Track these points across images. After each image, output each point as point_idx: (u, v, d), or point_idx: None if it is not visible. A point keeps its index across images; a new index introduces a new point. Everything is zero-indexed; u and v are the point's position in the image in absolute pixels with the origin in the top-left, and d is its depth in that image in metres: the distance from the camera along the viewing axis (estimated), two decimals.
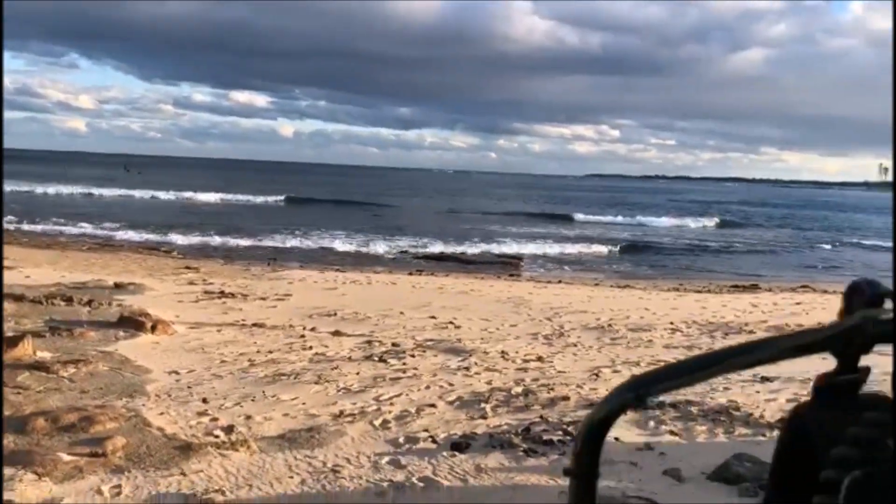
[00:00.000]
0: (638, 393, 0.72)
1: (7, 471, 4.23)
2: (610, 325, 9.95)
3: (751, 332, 9.87)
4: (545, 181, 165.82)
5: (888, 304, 0.67)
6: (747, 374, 6.99)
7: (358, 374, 6.95)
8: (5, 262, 12.93)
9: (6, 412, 5.31)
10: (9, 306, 8.88)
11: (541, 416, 5.85)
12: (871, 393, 0.69)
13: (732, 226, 43.29)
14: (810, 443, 0.70)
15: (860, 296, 0.67)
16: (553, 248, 25.20)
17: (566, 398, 6.40)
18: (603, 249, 26.15)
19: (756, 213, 57.79)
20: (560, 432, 5.47)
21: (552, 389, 6.67)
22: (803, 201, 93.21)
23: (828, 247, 32.10)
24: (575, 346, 8.65)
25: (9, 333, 7.37)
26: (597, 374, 7.31)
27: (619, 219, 42.58)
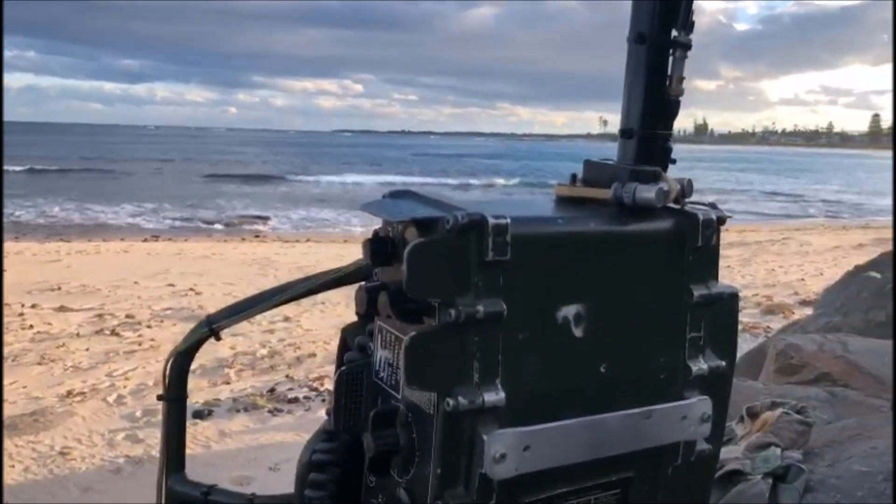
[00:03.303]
0: (211, 327, 0.96)
1: None
2: None
3: None
4: (292, 138, 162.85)
5: None
6: None
7: (87, 350, 6.51)
8: None
9: None
10: None
11: (287, 376, 5.93)
12: None
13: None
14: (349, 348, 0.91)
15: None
16: (299, 210, 24.95)
17: (313, 355, 6.52)
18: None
19: (511, 167, 61.65)
20: (306, 389, 5.59)
21: (299, 348, 6.75)
22: (538, 153, 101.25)
23: None
24: (322, 303, 8.77)
25: None
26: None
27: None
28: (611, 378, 0.78)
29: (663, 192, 0.80)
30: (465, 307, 0.70)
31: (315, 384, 5.70)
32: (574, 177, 0.89)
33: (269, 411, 5.12)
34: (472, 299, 0.70)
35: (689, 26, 0.88)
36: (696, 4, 0.88)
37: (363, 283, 0.85)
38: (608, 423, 0.77)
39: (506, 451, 0.71)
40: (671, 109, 0.90)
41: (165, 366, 0.97)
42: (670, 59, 0.89)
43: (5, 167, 37.67)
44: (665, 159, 0.91)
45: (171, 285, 9.49)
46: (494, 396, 0.71)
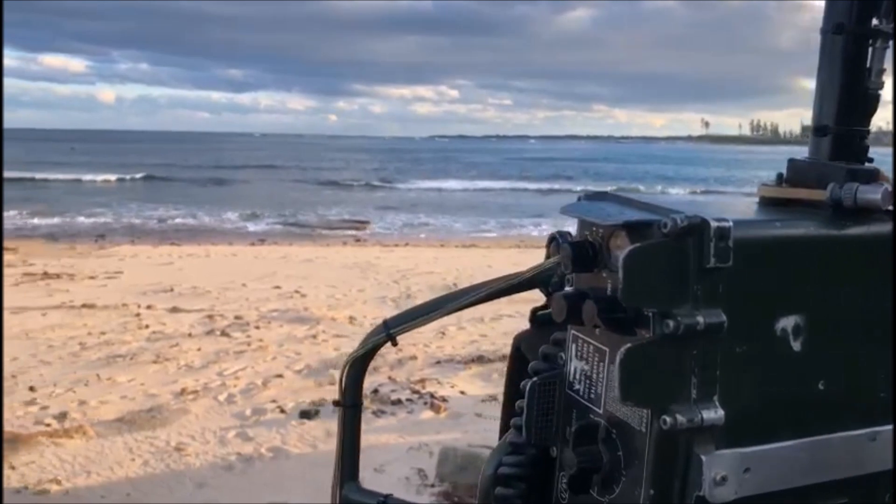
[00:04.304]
0: (388, 333, 0.92)
1: None
2: (456, 285, 10.21)
3: None
4: (388, 143, 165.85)
5: None
6: None
7: (199, 349, 6.75)
8: None
9: None
10: None
11: (389, 377, 5.97)
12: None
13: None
14: (524, 362, 0.87)
15: (555, 244, 0.82)
16: (400, 215, 25.34)
17: (414, 357, 6.55)
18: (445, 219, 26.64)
19: (605, 169, 60.83)
20: (408, 391, 5.61)
21: (400, 350, 6.79)
22: (637, 155, 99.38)
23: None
24: None
25: None
26: (443, 332, 7.51)
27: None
28: (830, 395, 0.72)
29: (888, 192, 0.75)
30: (683, 318, 0.66)
31: (417, 387, 5.71)
32: (780, 176, 0.84)
33: (373, 412, 5.16)
34: (690, 309, 0.67)
35: (891, 14, 0.82)
36: None
37: (560, 290, 0.81)
38: (830, 445, 0.71)
39: (726, 473, 0.67)
40: (870, 104, 0.84)
41: (342, 372, 0.95)
42: (869, 50, 0.83)
43: (124, 175, 39.93)
44: (861, 158, 0.85)
45: (277, 287, 9.76)
46: (713, 414, 0.67)
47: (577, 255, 0.74)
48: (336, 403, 0.94)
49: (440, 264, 12.28)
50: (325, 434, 4.80)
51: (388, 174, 49.99)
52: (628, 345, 0.65)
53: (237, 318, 7.98)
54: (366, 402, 5.22)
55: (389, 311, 8.36)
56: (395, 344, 0.91)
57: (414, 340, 7.15)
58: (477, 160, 76.52)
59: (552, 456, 0.76)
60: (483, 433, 4.80)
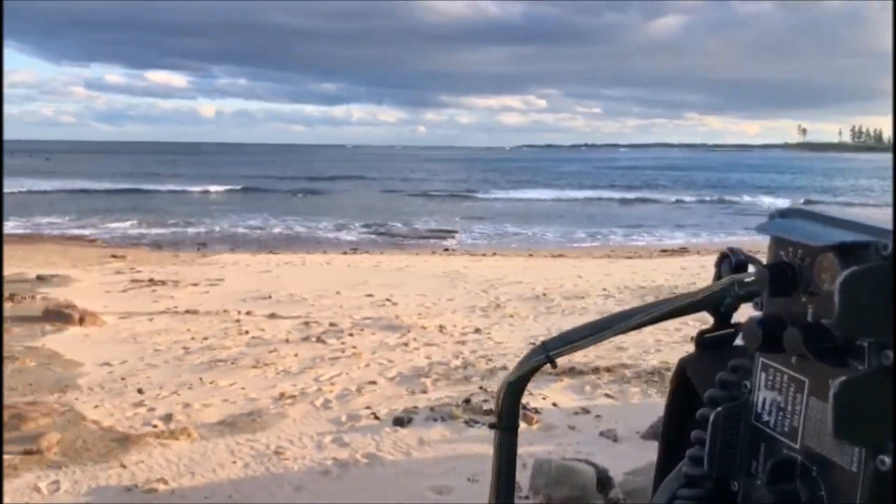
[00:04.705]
0: (548, 354, 0.85)
1: None
2: (545, 295, 10.14)
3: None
4: (476, 154, 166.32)
5: (751, 269, 0.78)
6: (677, 335, 7.25)
7: (296, 355, 6.93)
8: None
9: None
10: None
11: (480, 387, 5.96)
12: (739, 344, 0.79)
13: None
14: (692, 388, 0.81)
15: (727, 263, 0.78)
16: (487, 225, 25.37)
17: (505, 368, 6.52)
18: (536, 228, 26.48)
19: (686, 179, 59.35)
20: None
21: (490, 360, 6.79)
22: (732, 164, 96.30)
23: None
24: (511, 316, 8.79)
25: None
26: (534, 343, 7.44)
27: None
28: None
29: None
30: None
31: None
32: None
33: (465, 422, 5.17)
34: None
35: None
36: None
37: (753, 315, 0.77)
38: None
39: None
40: None
41: (500, 393, 0.92)
42: None
43: (224, 186, 41.49)
44: None
45: (370, 296, 9.93)
46: None
47: (776, 277, 0.69)
48: (492, 426, 0.90)
49: (529, 274, 12.21)
50: (417, 442, 4.84)
51: (476, 184, 50.16)
52: (844, 377, 0.61)
53: (332, 324, 8.15)
54: (457, 412, 5.27)
55: (479, 321, 8.41)
56: (554, 366, 0.87)
57: (505, 351, 7.13)
58: (565, 169, 75.85)
59: (732, 490, 0.72)
60: (576, 446, 4.74)
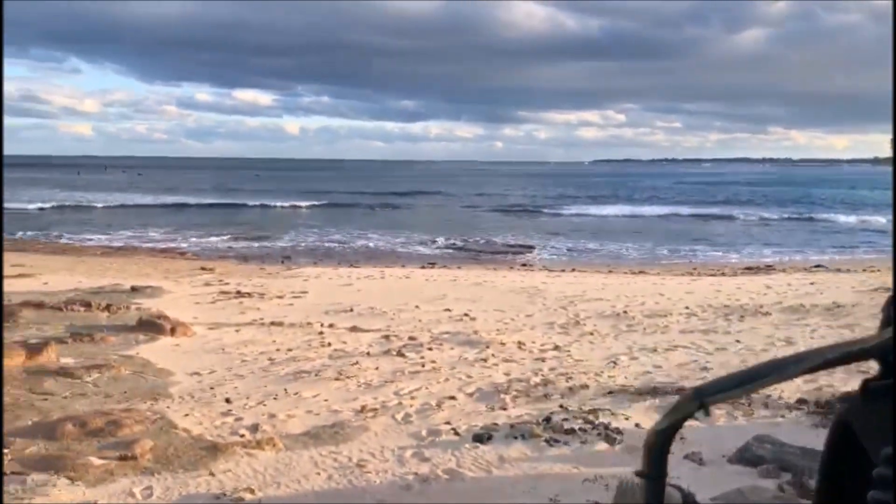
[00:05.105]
0: (702, 402, 0.80)
1: (40, 476, 4.32)
2: (625, 312, 9.97)
3: (766, 313, 9.87)
4: (553, 169, 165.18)
5: None
6: (764, 357, 7.00)
7: (377, 368, 7.02)
8: (23, 270, 13.07)
9: (34, 418, 5.41)
10: (29, 313, 8.99)
11: (561, 405, 5.90)
12: None
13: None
14: (858, 441, 0.75)
15: None
16: (565, 240, 25.15)
17: (585, 386, 6.44)
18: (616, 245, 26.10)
19: (769, 195, 57.45)
20: (581, 420, 5.51)
21: (571, 378, 6.71)
22: (819, 179, 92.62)
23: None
24: (591, 334, 8.68)
25: (32, 340, 7.48)
26: (614, 362, 7.34)
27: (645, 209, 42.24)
28: None
29: None
30: None
31: (590, 416, 5.60)
32: None
33: (546, 440, 5.12)
34: None
35: None
36: None
37: None
38: None
39: None
40: None
41: (648, 441, 0.88)
42: None
43: (307, 202, 42.52)
44: None
45: (448, 310, 9.97)
46: None
47: None
48: (639, 474, 0.86)
49: (608, 291, 12.03)
50: (498, 460, 4.82)
51: (553, 199, 49.84)
52: None
53: (411, 338, 8.22)
54: (538, 430, 5.23)
55: (558, 338, 8.34)
56: (707, 414, 0.81)
57: (585, 369, 7.04)
58: (645, 184, 74.52)
59: None
60: None
